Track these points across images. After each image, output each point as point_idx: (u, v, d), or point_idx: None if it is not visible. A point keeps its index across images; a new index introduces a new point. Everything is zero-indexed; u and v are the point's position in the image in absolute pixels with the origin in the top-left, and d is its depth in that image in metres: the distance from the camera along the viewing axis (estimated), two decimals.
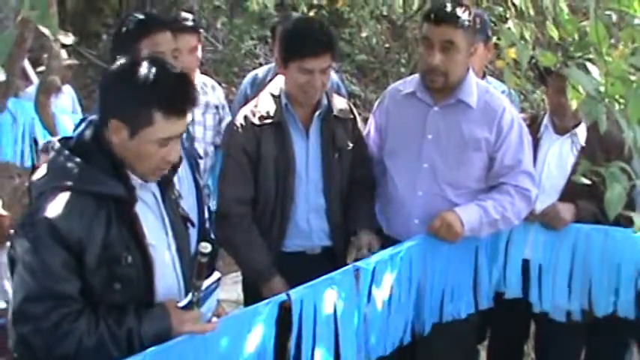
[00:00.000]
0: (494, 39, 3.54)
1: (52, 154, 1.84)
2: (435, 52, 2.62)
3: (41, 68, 4.93)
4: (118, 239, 1.77)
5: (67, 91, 5.42)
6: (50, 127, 4.20)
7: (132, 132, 1.78)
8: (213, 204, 3.74)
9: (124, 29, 2.47)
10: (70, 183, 1.74)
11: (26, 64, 5.05)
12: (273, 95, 2.74)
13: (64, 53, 4.38)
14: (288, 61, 2.61)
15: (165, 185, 1.99)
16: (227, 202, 2.70)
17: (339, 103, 2.82)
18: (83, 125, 1.87)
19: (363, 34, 8.30)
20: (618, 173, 1.74)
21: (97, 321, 1.72)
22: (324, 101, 2.73)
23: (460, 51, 2.63)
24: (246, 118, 2.72)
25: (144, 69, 1.78)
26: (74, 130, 1.89)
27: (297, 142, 2.72)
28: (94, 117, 1.87)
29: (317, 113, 2.73)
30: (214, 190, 3.71)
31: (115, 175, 1.79)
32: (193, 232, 2.27)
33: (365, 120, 3.12)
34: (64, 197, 1.72)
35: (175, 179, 2.14)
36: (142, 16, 2.51)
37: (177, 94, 1.80)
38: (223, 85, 7.59)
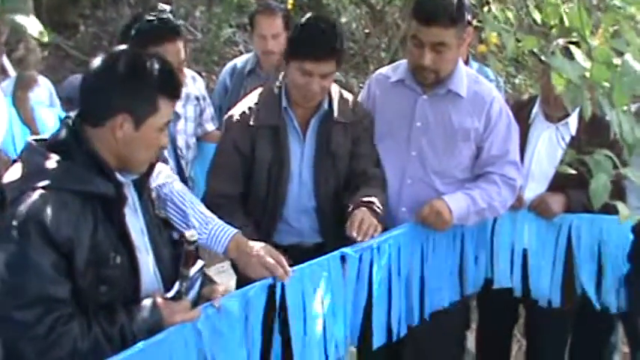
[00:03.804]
0: (475, 22, 3.52)
1: (25, 153, 1.78)
2: (425, 52, 2.59)
3: (19, 53, 4.82)
4: (106, 240, 1.75)
5: (44, 83, 5.31)
6: (29, 122, 4.12)
7: (137, 123, 1.78)
8: (197, 194, 3.72)
9: (134, 32, 2.44)
10: (54, 182, 1.69)
11: (3, 57, 4.95)
12: (273, 94, 2.68)
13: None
14: (289, 58, 2.56)
15: (141, 185, 1.96)
16: (213, 197, 2.66)
17: (344, 104, 2.73)
18: (61, 125, 1.82)
19: (343, 20, 8.26)
20: (603, 161, 1.73)
21: (90, 322, 1.69)
22: (325, 105, 2.66)
23: (451, 49, 2.60)
24: (243, 115, 2.67)
25: (138, 60, 1.80)
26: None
27: (293, 146, 2.68)
28: (70, 116, 1.83)
29: (315, 116, 2.68)
30: (199, 182, 3.69)
31: (101, 174, 1.76)
32: None
33: None
34: (49, 196, 1.67)
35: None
36: (155, 22, 2.47)
37: (173, 78, 1.86)
38: (203, 74, 7.54)
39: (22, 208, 1.65)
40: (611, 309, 3.04)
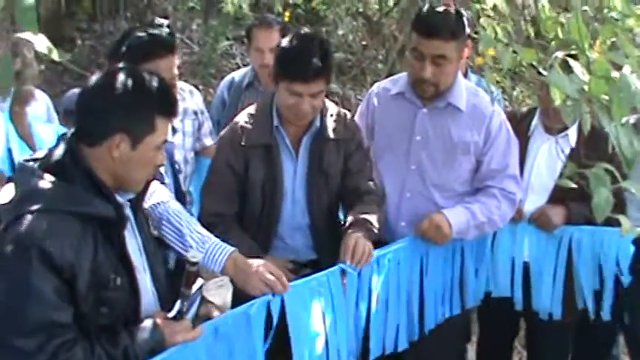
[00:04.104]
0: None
1: (19, 174, 1.75)
2: (426, 65, 2.59)
3: (15, 67, 4.79)
4: (106, 261, 1.73)
5: (41, 97, 5.29)
6: (27, 137, 4.11)
7: (134, 142, 1.76)
8: (194, 210, 3.71)
9: (125, 49, 2.41)
10: (52, 205, 1.66)
11: None
12: (264, 112, 2.65)
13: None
14: (277, 79, 2.53)
15: (137, 204, 1.94)
16: (207, 215, 2.64)
17: (336, 121, 2.69)
18: (55, 144, 1.80)
19: (340, 32, 8.27)
20: (603, 175, 1.72)
21: (93, 346, 1.67)
22: (317, 122, 2.63)
23: (452, 62, 2.60)
24: (235, 135, 2.65)
25: (133, 78, 1.78)
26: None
27: (285, 164, 2.66)
28: (66, 135, 1.81)
29: (307, 134, 2.65)
30: (197, 197, 3.68)
31: (100, 195, 1.74)
32: None
33: None
34: (49, 220, 1.63)
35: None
36: (145, 37, 2.44)
37: (170, 97, 1.85)
38: (200, 87, 7.54)
39: (22, 233, 1.61)
40: (611, 321, 3.02)
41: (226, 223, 2.61)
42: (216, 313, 2.06)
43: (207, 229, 2.50)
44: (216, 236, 2.42)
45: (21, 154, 4.11)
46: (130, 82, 1.76)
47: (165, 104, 1.82)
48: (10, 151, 4.93)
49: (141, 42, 2.42)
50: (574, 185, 1.88)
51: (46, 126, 4.66)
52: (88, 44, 8.04)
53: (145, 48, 2.41)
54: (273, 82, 2.59)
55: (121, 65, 1.88)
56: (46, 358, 1.59)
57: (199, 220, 2.71)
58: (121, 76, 1.77)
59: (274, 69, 2.56)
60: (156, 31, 2.51)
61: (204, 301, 2.08)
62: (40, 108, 5.26)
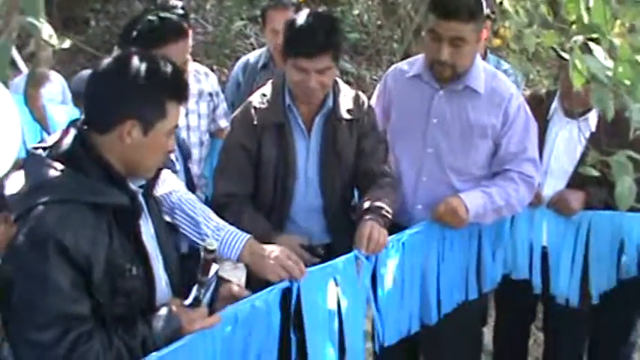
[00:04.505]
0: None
1: (29, 164, 1.71)
2: (443, 47, 2.55)
3: (30, 49, 4.79)
4: (121, 251, 1.71)
5: (56, 78, 5.29)
6: (41, 120, 4.10)
7: (146, 128, 1.73)
8: (209, 192, 3.71)
9: (135, 33, 2.37)
10: (66, 195, 1.63)
11: (14, 52, 4.93)
12: (276, 92, 2.64)
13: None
14: (285, 56, 2.52)
15: (149, 190, 1.92)
16: (220, 197, 2.63)
17: (348, 101, 2.67)
18: (64, 131, 1.77)
19: (355, 12, 8.20)
20: (626, 163, 1.69)
21: (110, 337, 1.65)
22: (329, 102, 2.61)
23: (469, 43, 2.56)
24: (247, 114, 2.64)
25: (143, 63, 1.74)
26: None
27: (298, 144, 2.64)
28: (76, 122, 1.78)
29: (319, 114, 2.63)
30: (210, 178, 3.68)
31: (113, 184, 1.72)
32: None
33: None
34: (63, 211, 1.61)
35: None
36: (156, 22, 2.40)
37: (181, 82, 1.82)
38: (214, 67, 7.52)
39: (37, 225, 1.59)
40: (630, 307, 3.00)
41: (240, 203, 2.59)
42: (244, 292, 2.04)
43: (221, 210, 2.50)
44: (229, 217, 2.42)
45: (33, 138, 4.12)
46: (139, 67, 1.72)
47: (176, 89, 1.79)
48: (23, 134, 4.90)
49: (152, 27, 2.38)
50: (597, 173, 1.85)
51: (60, 108, 4.67)
52: (102, 25, 8.03)
53: (156, 33, 2.37)
54: (282, 61, 2.57)
55: (129, 50, 1.85)
56: (63, 351, 1.58)
57: (212, 200, 2.71)
58: (131, 62, 1.74)
59: (282, 46, 2.55)
60: (167, 15, 2.47)
61: (222, 282, 2.06)
62: (55, 89, 5.27)
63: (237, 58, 4.87)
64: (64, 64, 6.90)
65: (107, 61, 1.77)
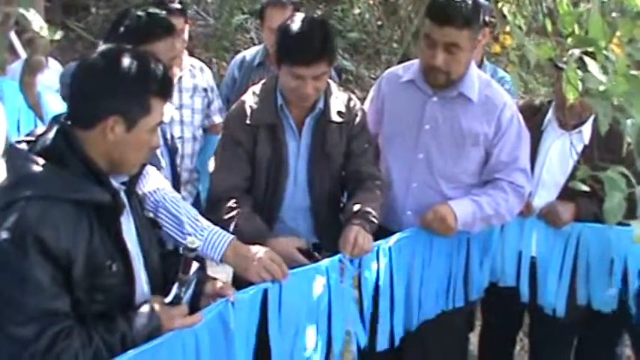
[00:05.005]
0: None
1: (11, 158, 1.69)
2: (437, 53, 2.54)
3: (28, 35, 4.75)
4: (101, 248, 1.70)
5: (54, 66, 5.26)
6: (35, 107, 4.09)
7: (129, 125, 1.72)
8: (200, 187, 3.70)
9: (122, 29, 2.35)
10: (48, 191, 1.62)
11: (12, 36, 4.90)
12: (268, 92, 2.63)
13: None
14: (280, 62, 2.50)
15: (131, 187, 1.91)
16: (218, 193, 2.62)
17: (339, 103, 2.67)
18: (48, 127, 1.75)
19: (356, 11, 8.18)
20: (617, 179, 1.68)
21: (90, 333, 1.64)
22: (320, 104, 2.61)
23: (464, 50, 2.55)
24: (242, 113, 2.63)
25: (129, 59, 1.73)
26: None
27: (290, 144, 2.63)
28: (60, 117, 1.76)
29: (310, 115, 2.63)
30: (203, 173, 3.67)
31: (95, 180, 1.71)
32: None
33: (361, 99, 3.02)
34: (44, 207, 1.60)
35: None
36: (143, 18, 2.38)
37: (166, 79, 1.80)
38: (214, 60, 7.50)
39: (17, 220, 1.58)
40: (617, 320, 2.99)
41: (237, 201, 2.57)
42: (229, 289, 2.03)
43: (218, 207, 2.53)
44: (225, 214, 2.45)
45: (28, 125, 4.09)
46: (124, 63, 1.71)
47: (161, 86, 1.77)
48: (18, 121, 4.93)
49: (140, 23, 2.36)
50: (586, 188, 1.84)
51: (56, 96, 4.64)
52: (102, 13, 7.99)
53: (143, 29, 2.35)
54: (275, 65, 2.54)
55: (114, 46, 1.84)
56: (43, 347, 1.57)
57: (209, 197, 2.70)
58: (115, 57, 1.73)
59: (276, 53, 2.53)
60: (156, 11, 2.45)
61: (208, 279, 2.06)
62: (53, 77, 5.23)
63: (237, 52, 4.85)
64: (63, 52, 6.86)
65: (91, 56, 1.75)
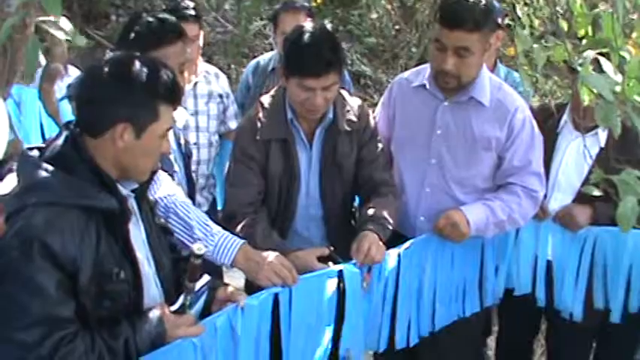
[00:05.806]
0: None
1: (21, 165, 1.71)
2: (448, 57, 2.51)
3: (46, 43, 4.79)
4: (109, 254, 1.70)
5: (74, 73, 5.31)
6: (54, 114, 4.13)
7: (138, 131, 1.72)
8: (217, 193, 3.71)
9: (133, 35, 2.36)
10: (56, 197, 1.63)
11: None
12: (277, 106, 2.61)
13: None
14: (288, 75, 2.47)
15: (141, 194, 1.91)
16: (233, 208, 2.60)
17: (350, 111, 2.65)
18: (58, 133, 1.76)
19: (373, 16, 8.16)
20: (632, 182, 1.65)
21: (93, 339, 1.65)
22: (329, 115, 2.59)
23: (475, 54, 2.52)
24: (253, 127, 2.62)
25: (136, 66, 1.73)
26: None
27: (301, 157, 2.62)
28: (69, 125, 1.77)
29: (320, 126, 2.61)
30: (219, 178, 3.68)
31: (104, 188, 1.71)
32: None
33: (376, 104, 3.00)
34: (52, 213, 1.61)
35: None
36: (154, 23, 2.39)
37: (174, 84, 1.80)
38: (232, 66, 7.52)
39: (24, 226, 1.59)
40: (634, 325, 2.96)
41: (253, 217, 2.56)
42: (241, 295, 2.03)
43: (234, 221, 2.52)
44: (242, 229, 2.45)
45: (52, 131, 4.13)
46: (131, 70, 1.72)
47: (168, 91, 1.77)
48: (42, 126, 4.98)
49: (150, 28, 2.37)
50: (598, 193, 1.81)
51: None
52: (122, 20, 8.04)
53: (154, 34, 2.35)
54: (282, 78, 2.53)
55: (121, 53, 1.84)
56: (46, 352, 1.58)
57: (224, 209, 2.70)
58: (122, 64, 1.73)
59: (283, 65, 2.50)
60: (166, 17, 2.46)
61: (220, 284, 2.06)
62: None
63: (255, 58, 4.87)
64: (83, 59, 6.92)
65: (99, 63, 1.76)
